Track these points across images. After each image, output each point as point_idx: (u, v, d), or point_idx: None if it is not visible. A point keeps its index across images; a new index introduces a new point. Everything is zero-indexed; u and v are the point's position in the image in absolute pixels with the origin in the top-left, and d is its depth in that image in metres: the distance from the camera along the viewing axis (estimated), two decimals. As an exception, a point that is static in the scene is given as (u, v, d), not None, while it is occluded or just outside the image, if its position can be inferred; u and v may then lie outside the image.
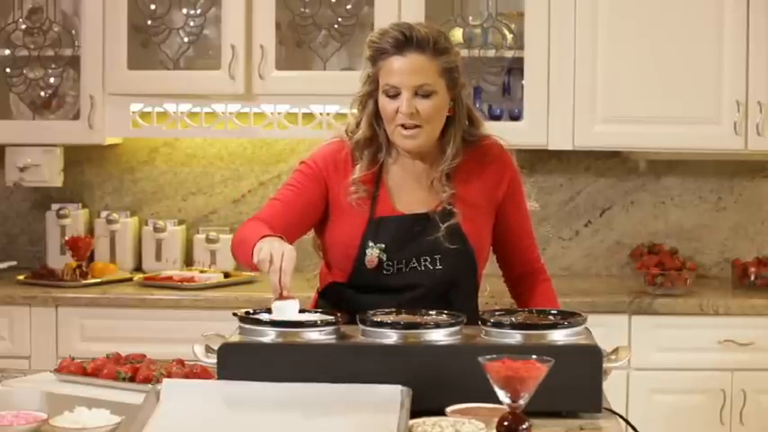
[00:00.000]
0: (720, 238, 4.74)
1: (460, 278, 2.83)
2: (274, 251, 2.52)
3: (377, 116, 2.81)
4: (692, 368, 4.13)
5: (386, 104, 2.76)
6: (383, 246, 2.78)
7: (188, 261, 4.73)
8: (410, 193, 2.84)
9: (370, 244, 2.78)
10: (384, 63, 2.75)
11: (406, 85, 2.72)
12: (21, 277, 4.44)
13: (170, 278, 4.40)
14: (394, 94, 2.74)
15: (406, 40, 2.73)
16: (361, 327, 2.45)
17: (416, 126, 2.74)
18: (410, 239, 2.79)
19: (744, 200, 4.73)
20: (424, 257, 2.79)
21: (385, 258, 2.78)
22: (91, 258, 4.58)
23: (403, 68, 2.72)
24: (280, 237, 2.62)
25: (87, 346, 4.10)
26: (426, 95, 2.73)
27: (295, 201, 2.81)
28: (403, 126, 2.75)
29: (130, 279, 4.48)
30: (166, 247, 4.68)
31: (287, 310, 2.48)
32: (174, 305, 4.21)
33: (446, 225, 2.78)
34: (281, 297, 2.50)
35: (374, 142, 2.83)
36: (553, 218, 4.75)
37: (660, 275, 4.28)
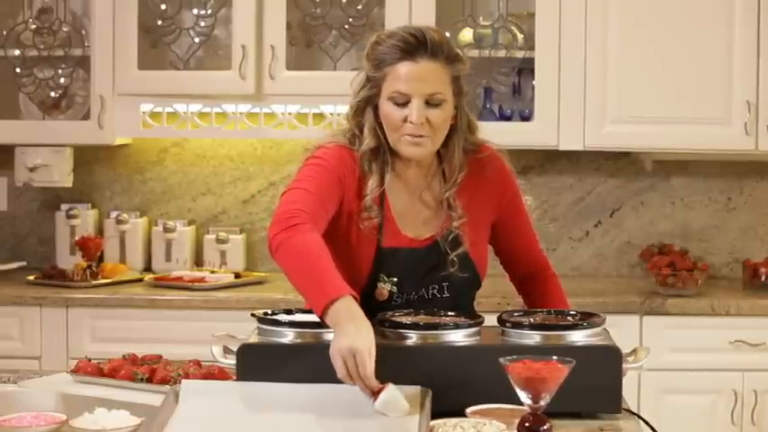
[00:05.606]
0: (730, 238, 4.73)
1: (466, 301, 2.76)
2: (356, 353, 2.23)
3: (378, 124, 2.63)
4: (703, 368, 4.13)
5: (392, 112, 2.58)
6: (395, 280, 2.67)
7: (198, 261, 4.72)
8: (416, 215, 2.70)
9: (383, 277, 2.67)
10: (392, 68, 2.56)
11: (417, 93, 2.55)
12: (31, 278, 4.43)
13: (180, 278, 4.40)
14: (403, 102, 2.56)
15: (418, 45, 2.55)
16: (381, 328, 2.44)
17: (424, 135, 2.59)
18: (423, 273, 2.69)
19: (754, 200, 4.72)
20: (433, 286, 2.70)
21: (396, 291, 2.67)
22: (100, 259, 4.57)
23: (415, 75, 2.55)
24: (353, 296, 2.33)
25: (98, 346, 4.09)
26: (437, 104, 2.56)
27: (322, 192, 2.57)
28: (410, 135, 2.58)
29: (140, 279, 4.48)
30: (176, 247, 4.68)
31: (397, 401, 2.24)
32: (184, 306, 4.20)
33: (455, 254, 2.67)
34: (378, 393, 2.25)
35: (379, 153, 2.64)
36: (563, 218, 4.74)
37: (671, 276, 4.27)
